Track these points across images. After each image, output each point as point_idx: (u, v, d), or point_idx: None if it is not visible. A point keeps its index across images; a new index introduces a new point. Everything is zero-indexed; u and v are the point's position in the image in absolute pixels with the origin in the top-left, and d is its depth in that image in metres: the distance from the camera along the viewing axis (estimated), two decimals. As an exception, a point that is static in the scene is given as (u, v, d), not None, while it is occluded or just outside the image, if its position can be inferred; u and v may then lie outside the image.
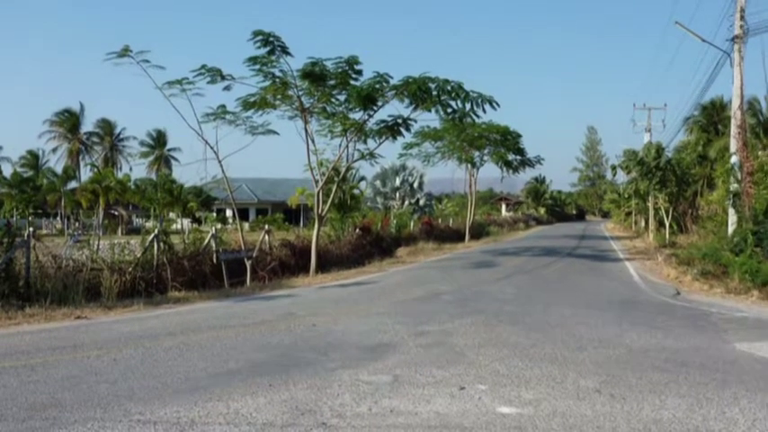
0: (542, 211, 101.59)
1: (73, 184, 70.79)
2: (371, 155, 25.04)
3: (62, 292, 13.67)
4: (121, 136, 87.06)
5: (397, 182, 62.78)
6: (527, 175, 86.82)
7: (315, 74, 20.41)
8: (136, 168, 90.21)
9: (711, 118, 47.01)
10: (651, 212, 44.88)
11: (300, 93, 21.53)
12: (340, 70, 20.53)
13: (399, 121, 23.16)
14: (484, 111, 22.71)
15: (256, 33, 19.42)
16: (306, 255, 22.23)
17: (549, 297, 15.71)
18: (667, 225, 39.16)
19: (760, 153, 28.66)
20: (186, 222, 55.37)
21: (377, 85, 21.19)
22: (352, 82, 21.07)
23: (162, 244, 16.83)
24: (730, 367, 8.23)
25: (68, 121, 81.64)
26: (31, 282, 13.88)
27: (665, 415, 6.21)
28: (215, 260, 18.17)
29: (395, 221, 38.31)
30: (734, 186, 20.81)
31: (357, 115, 22.79)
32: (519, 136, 42.28)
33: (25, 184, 65.74)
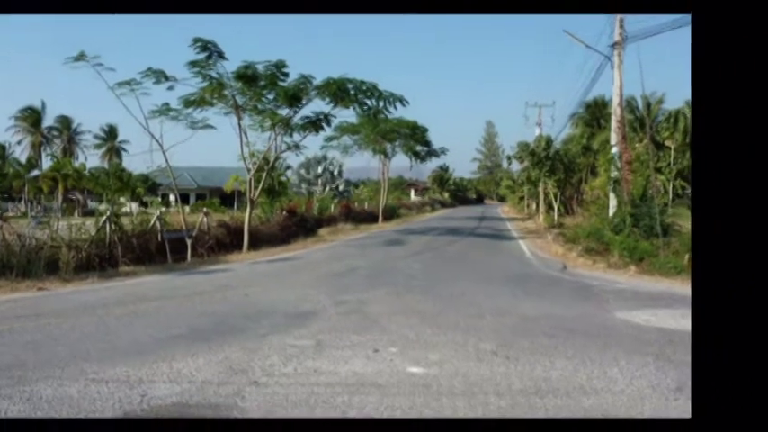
0: (446, 195, 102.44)
1: (35, 173, 71.05)
2: (297, 146, 25.52)
3: (26, 267, 13.77)
4: (78, 130, 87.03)
5: (320, 170, 63.08)
6: (433, 164, 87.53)
7: (247, 76, 20.74)
8: (90, 158, 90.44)
9: (594, 114, 48.32)
10: (541, 197, 45.86)
11: (235, 92, 21.76)
12: (269, 72, 20.89)
13: (321, 116, 23.74)
14: (395, 108, 23.80)
15: (196, 40, 19.60)
16: (239, 234, 22.31)
17: (452, 271, 15.96)
18: (556, 208, 40.22)
19: (637, 145, 29.82)
20: (135, 206, 54.22)
21: (301, 86, 21.69)
22: (279, 83, 21.36)
23: (113, 225, 16.99)
24: (610, 333, 8.49)
25: (31, 117, 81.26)
26: (-1, 257, 13.89)
27: (554, 374, 6.38)
28: (160, 239, 18.30)
29: (317, 205, 38.25)
30: (614, 174, 21.30)
31: (284, 112, 23.14)
32: (426, 130, 44.12)
33: (-7, 173, 64.87)
